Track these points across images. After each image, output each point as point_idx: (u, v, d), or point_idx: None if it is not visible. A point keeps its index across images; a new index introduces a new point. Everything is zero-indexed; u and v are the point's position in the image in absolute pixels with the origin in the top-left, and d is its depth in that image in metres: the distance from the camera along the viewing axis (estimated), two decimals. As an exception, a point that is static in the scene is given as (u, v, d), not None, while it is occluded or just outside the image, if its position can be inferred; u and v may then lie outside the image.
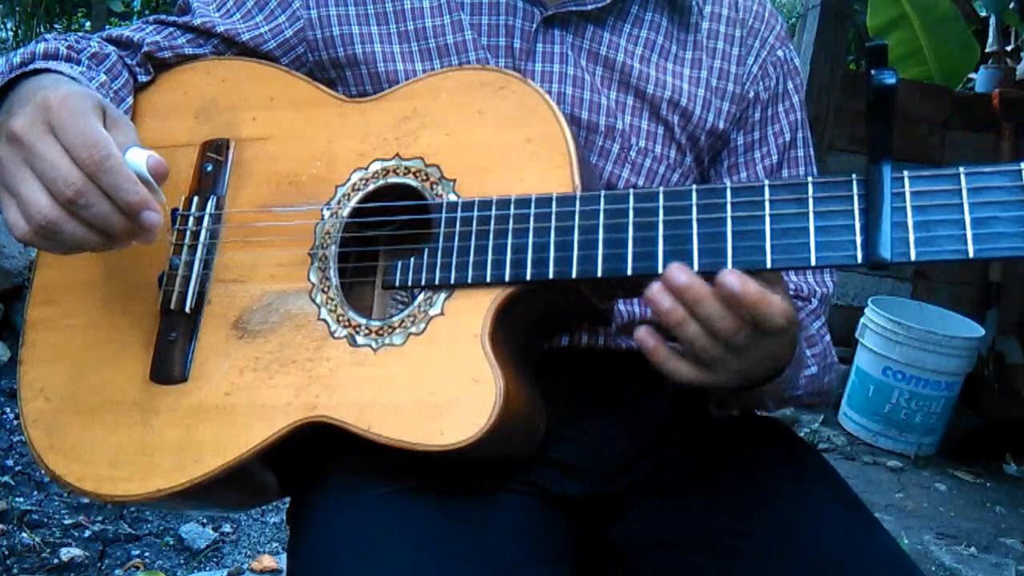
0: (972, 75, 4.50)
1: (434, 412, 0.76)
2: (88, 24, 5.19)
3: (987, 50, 4.37)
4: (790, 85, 1.05)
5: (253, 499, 1.05)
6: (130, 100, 0.97)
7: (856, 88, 3.72)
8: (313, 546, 0.83)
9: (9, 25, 4.99)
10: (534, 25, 0.96)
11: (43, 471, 0.88)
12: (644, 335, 0.76)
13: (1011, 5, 4.25)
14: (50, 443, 0.88)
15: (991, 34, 4.38)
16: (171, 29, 1.01)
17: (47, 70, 0.84)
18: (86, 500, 2.23)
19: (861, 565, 0.83)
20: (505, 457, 0.84)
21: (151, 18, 1.04)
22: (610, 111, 0.97)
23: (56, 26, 5.16)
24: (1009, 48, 4.43)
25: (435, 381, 0.78)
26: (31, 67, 0.84)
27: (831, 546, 0.85)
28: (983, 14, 4.60)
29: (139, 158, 0.77)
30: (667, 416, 1.00)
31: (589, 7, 0.96)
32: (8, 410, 2.53)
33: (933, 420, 3.42)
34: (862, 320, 3.54)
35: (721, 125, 1.02)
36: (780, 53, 1.04)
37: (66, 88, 0.76)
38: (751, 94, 1.02)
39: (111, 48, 0.98)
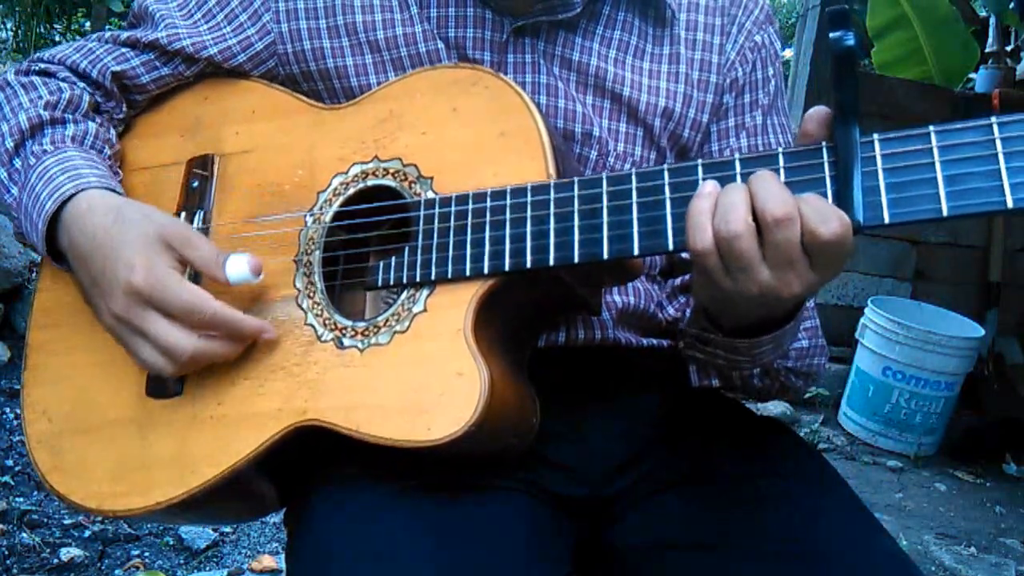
0: (972, 75, 4.49)
1: (420, 408, 0.76)
2: (88, 24, 5.18)
3: (987, 50, 4.36)
4: (770, 71, 1.02)
5: (253, 510, 1.05)
6: (115, 134, 0.99)
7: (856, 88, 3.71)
8: (312, 548, 0.83)
9: (9, 25, 5.00)
10: (504, 36, 0.94)
11: (47, 490, 0.88)
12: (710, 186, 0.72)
13: (1011, 5, 4.25)
14: (53, 464, 0.90)
15: (991, 34, 4.37)
16: (124, 51, 0.98)
17: (79, 191, 0.87)
18: (86, 500, 2.23)
19: (861, 565, 0.83)
20: (499, 452, 0.84)
21: (106, 35, 1.00)
22: (586, 118, 0.95)
23: (56, 26, 5.15)
24: (1009, 48, 4.42)
25: (420, 377, 0.78)
26: (60, 197, 0.86)
27: (831, 546, 0.85)
28: (983, 14, 4.60)
29: (241, 267, 0.83)
30: (666, 415, 1.00)
31: (560, 16, 0.94)
32: (8, 410, 2.52)
33: (933, 420, 3.42)
34: (862, 320, 3.54)
35: (704, 119, 1.00)
36: (758, 37, 1.01)
37: (131, 238, 0.83)
38: (727, 81, 1.00)
39: (80, 85, 0.98)
